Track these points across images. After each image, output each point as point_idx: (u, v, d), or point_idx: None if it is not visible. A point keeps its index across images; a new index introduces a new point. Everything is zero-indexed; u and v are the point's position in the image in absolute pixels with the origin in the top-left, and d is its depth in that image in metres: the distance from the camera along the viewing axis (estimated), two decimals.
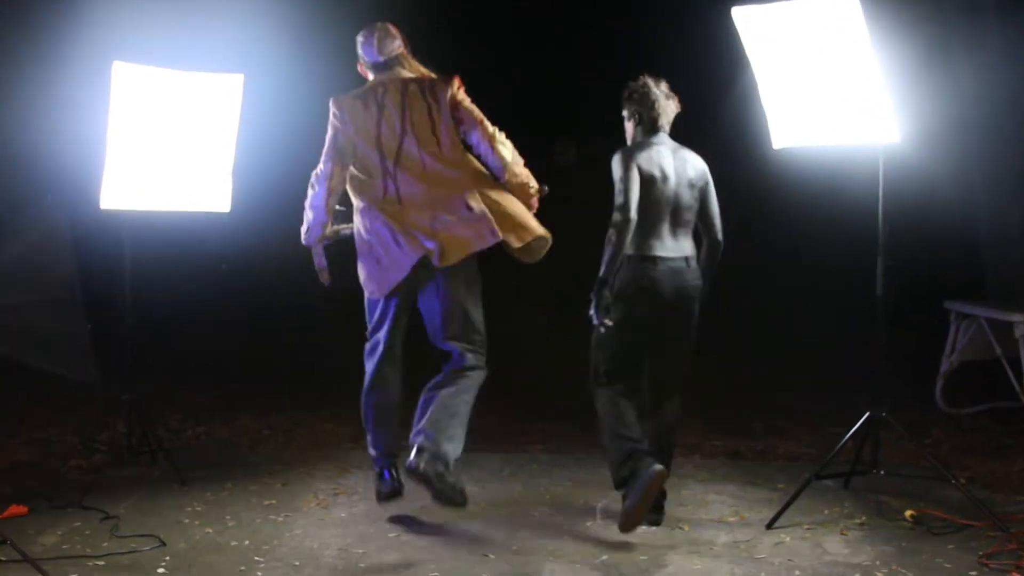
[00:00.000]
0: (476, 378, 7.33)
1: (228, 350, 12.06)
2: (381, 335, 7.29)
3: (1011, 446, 9.29)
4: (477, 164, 7.17)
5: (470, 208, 6.95)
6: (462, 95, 7.12)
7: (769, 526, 7.26)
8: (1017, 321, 9.52)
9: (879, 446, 7.70)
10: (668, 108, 7.18)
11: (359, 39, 7.28)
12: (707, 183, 7.21)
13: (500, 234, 6.96)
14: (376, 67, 7.23)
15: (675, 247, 7.10)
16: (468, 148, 7.18)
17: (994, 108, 10.63)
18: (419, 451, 6.96)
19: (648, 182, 6.96)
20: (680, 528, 7.27)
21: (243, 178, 8.55)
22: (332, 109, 7.11)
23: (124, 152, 7.98)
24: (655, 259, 7.01)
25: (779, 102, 7.51)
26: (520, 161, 7.20)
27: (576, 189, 10.19)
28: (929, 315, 10.74)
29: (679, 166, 7.11)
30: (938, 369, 10.59)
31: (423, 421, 7.09)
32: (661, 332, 7.18)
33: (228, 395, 10.98)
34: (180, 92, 8.11)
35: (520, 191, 7.17)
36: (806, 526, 7.28)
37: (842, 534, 7.12)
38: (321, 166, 7.14)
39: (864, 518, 7.42)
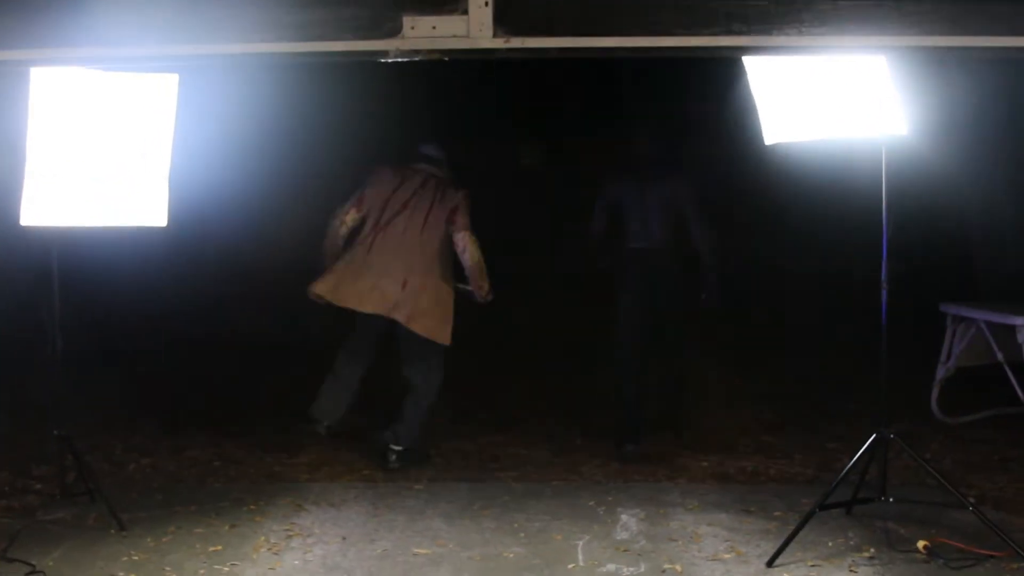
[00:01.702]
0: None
1: (179, 374, 11.21)
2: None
3: (1017, 458, 8.62)
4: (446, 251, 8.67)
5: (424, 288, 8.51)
6: (464, 205, 8.62)
7: (770, 563, 6.52)
8: (1019, 324, 8.84)
9: (886, 472, 6.94)
10: None
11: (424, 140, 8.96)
12: None
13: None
14: (422, 157, 8.84)
15: None
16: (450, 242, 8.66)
17: (985, 110, 10.07)
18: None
19: None
20: (672, 569, 6.46)
21: (181, 187, 7.63)
22: (375, 169, 8.80)
23: (46, 162, 7.02)
24: None
25: (772, 98, 6.84)
26: (482, 267, 8.65)
27: None
28: (921, 318, 10.02)
29: None
30: (932, 376, 9.87)
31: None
32: None
33: (177, 422, 10.00)
34: (108, 94, 7.19)
35: (474, 283, 8.69)
36: (810, 562, 6.52)
37: (851, 571, 6.39)
38: (344, 205, 8.69)
39: (873, 550, 6.68)
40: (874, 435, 6.84)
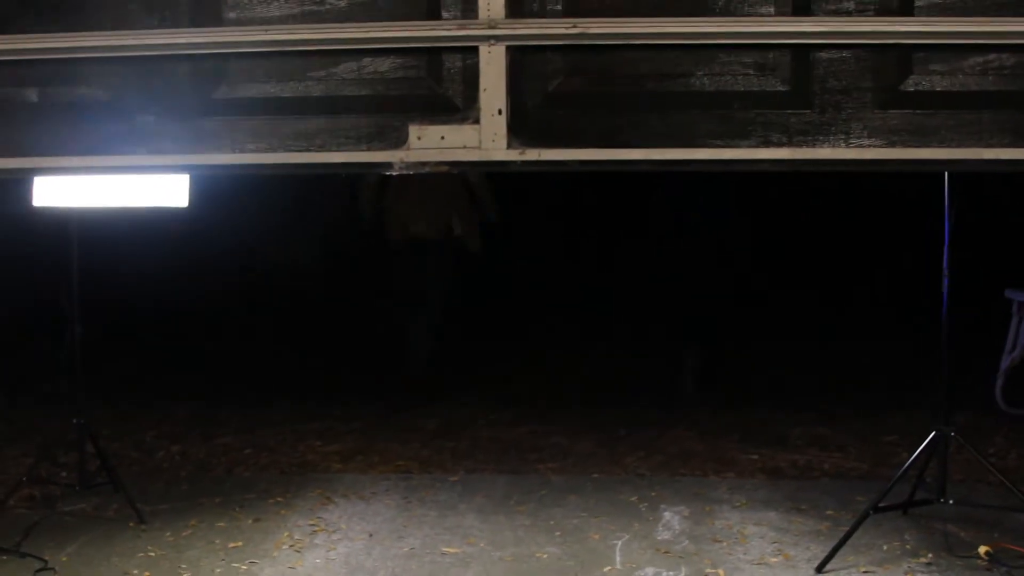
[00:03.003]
0: None
1: (214, 355, 10.86)
2: None
3: None
4: None
5: None
6: None
7: (820, 569, 6.07)
8: None
9: (947, 472, 6.47)
10: None
11: None
12: None
13: None
14: None
15: None
16: None
17: None
18: None
19: None
20: (714, 574, 6.05)
21: None
22: None
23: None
24: None
25: None
26: None
27: None
28: (987, 304, 9.51)
29: None
30: (997, 365, 9.35)
31: None
32: None
33: (211, 407, 9.66)
34: None
35: None
36: (863, 568, 6.10)
37: None
38: None
39: (930, 555, 6.24)
40: (933, 432, 6.39)
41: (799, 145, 5.07)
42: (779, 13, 5.02)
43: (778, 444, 8.49)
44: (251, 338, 11.36)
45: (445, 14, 5.17)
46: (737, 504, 7.16)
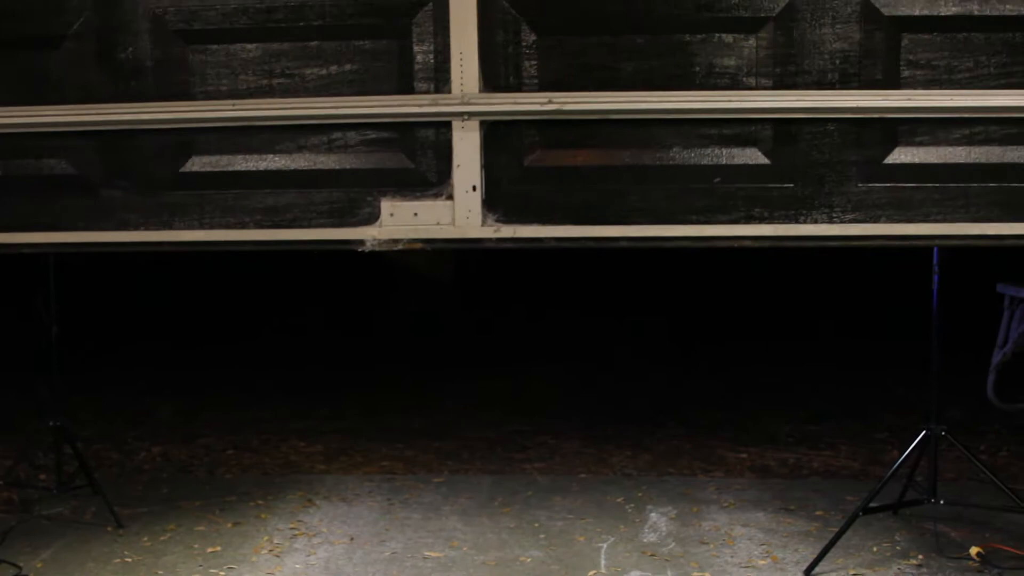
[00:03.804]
0: None
1: (196, 353, 10.73)
2: None
3: None
4: None
5: None
6: None
7: (808, 572, 5.95)
8: None
9: (937, 471, 6.35)
10: None
11: None
12: None
13: None
14: None
15: None
16: None
17: None
18: None
19: None
20: None
21: None
22: None
23: None
24: None
25: None
26: None
27: None
28: (977, 298, 9.39)
29: None
30: (988, 360, 9.23)
31: None
32: None
33: (194, 408, 9.53)
34: None
35: None
36: (852, 570, 5.97)
37: None
38: None
39: (921, 557, 6.12)
40: (924, 432, 6.27)
41: (781, 221, 4.97)
42: (761, 87, 4.90)
43: (768, 442, 8.38)
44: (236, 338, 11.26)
45: (418, 88, 5.05)
46: (725, 504, 7.02)
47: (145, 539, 6.55)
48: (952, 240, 4.96)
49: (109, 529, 6.70)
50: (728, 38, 4.91)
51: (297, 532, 6.64)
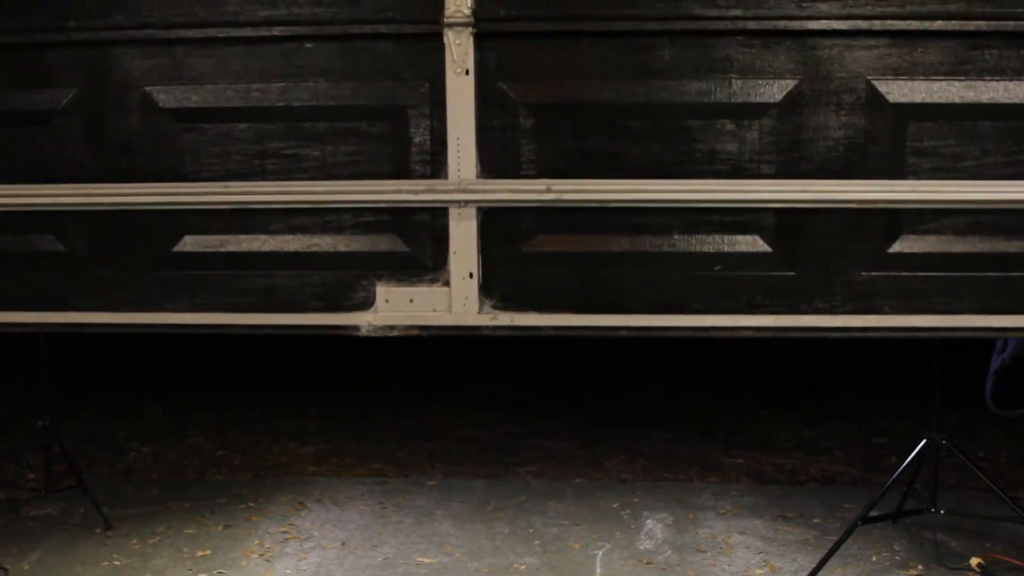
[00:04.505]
0: None
1: (185, 351, 10.60)
2: None
3: None
4: None
5: None
6: None
7: None
8: None
9: (937, 481, 6.28)
10: None
11: None
12: None
13: None
14: None
15: None
16: None
17: None
18: None
19: None
20: None
21: None
22: None
23: None
24: None
25: None
26: None
27: None
28: None
29: None
30: (987, 365, 9.16)
31: None
32: None
33: (184, 407, 9.42)
34: None
35: None
36: None
37: None
38: None
39: (921, 567, 6.04)
40: (924, 440, 6.19)
41: (783, 311, 4.92)
42: (763, 175, 4.84)
43: (763, 447, 8.27)
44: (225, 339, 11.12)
45: (414, 172, 4.98)
46: (722, 511, 6.93)
47: (134, 541, 6.46)
48: (956, 332, 4.94)
49: (98, 531, 6.61)
50: (730, 124, 4.84)
51: (288, 536, 6.55)
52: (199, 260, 5.20)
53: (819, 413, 9.09)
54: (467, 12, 4.82)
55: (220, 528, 6.67)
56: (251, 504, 7.06)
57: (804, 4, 4.77)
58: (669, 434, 8.54)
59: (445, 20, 4.82)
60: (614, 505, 7.04)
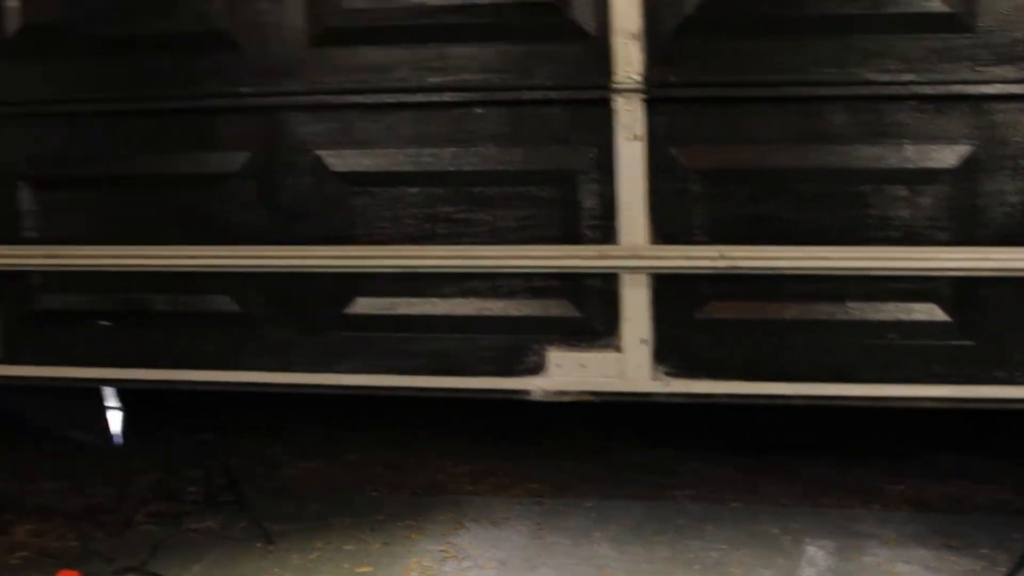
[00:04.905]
0: None
1: None
2: None
3: None
4: None
5: None
6: None
7: None
8: None
9: None
10: None
11: None
12: None
13: None
14: None
15: None
16: None
17: None
18: None
19: None
20: None
21: None
22: None
23: None
24: None
25: None
26: None
27: None
28: None
29: None
30: None
31: None
32: None
33: (343, 422, 9.49)
34: None
35: None
36: None
37: None
38: None
39: None
40: None
41: (961, 381, 4.86)
42: (938, 241, 4.77)
43: (925, 473, 8.07)
44: None
45: (585, 237, 5.00)
46: (886, 539, 6.81)
47: (295, 556, 6.58)
48: None
49: (258, 545, 6.75)
50: (903, 190, 4.77)
51: (447, 554, 6.60)
52: (370, 322, 5.30)
53: (985, 440, 8.85)
54: (637, 78, 4.83)
55: (378, 545, 6.76)
56: (410, 522, 7.13)
57: (979, 68, 4.67)
58: (827, 459, 8.37)
59: (615, 86, 4.83)
60: (774, 530, 6.94)
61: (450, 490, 7.83)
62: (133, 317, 5.69)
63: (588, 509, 7.39)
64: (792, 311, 4.90)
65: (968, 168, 4.71)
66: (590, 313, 5.03)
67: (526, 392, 5.18)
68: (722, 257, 4.85)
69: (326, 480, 8.11)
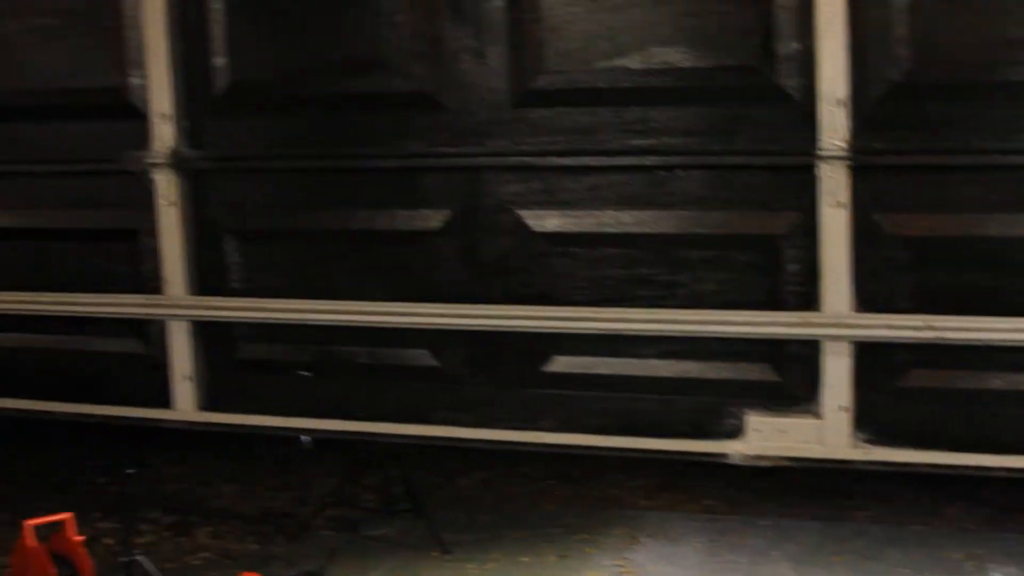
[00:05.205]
0: None
1: None
2: None
3: None
4: None
5: None
6: None
7: None
8: None
9: None
10: None
11: None
12: None
13: None
14: None
15: None
16: None
17: None
18: None
19: None
20: None
21: None
22: None
23: None
24: None
25: None
26: None
27: None
28: None
29: None
30: None
31: None
32: None
33: None
34: None
35: None
36: None
37: None
38: None
39: None
40: None
41: None
42: None
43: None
44: None
45: (786, 303, 4.95)
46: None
47: (471, 566, 6.64)
48: None
49: (434, 554, 6.79)
50: None
51: (623, 569, 6.60)
52: (568, 380, 5.35)
53: None
54: (842, 145, 4.78)
55: (554, 558, 6.78)
56: (585, 536, 7.13)
57: None
58: (1008, 481, 8.13)
59: (820, 153, 4.78)
60: (957, 555, 6.78)
61: (625, 504, 7.79)
62: (332, 369, 5.79)
63: (764, 528, 7.30)
64: (998, 381, 4.80)
65: None
66: (790, 379, 5.00)
67: (724, 455, 5.16)
68: (928, 328, 4.78)
69: (500, 491, 8.13)
